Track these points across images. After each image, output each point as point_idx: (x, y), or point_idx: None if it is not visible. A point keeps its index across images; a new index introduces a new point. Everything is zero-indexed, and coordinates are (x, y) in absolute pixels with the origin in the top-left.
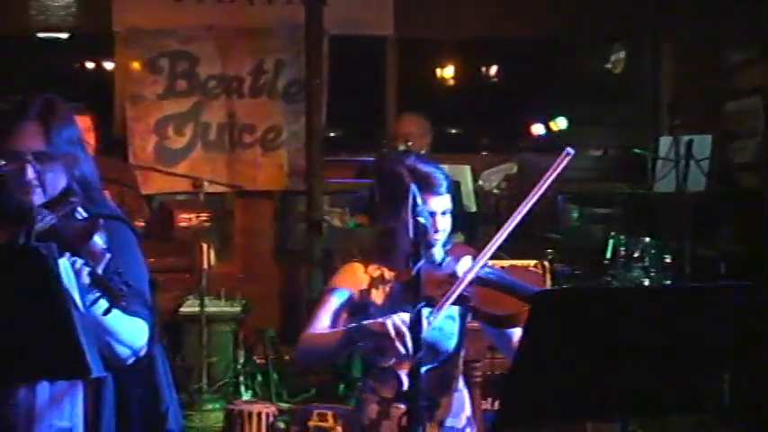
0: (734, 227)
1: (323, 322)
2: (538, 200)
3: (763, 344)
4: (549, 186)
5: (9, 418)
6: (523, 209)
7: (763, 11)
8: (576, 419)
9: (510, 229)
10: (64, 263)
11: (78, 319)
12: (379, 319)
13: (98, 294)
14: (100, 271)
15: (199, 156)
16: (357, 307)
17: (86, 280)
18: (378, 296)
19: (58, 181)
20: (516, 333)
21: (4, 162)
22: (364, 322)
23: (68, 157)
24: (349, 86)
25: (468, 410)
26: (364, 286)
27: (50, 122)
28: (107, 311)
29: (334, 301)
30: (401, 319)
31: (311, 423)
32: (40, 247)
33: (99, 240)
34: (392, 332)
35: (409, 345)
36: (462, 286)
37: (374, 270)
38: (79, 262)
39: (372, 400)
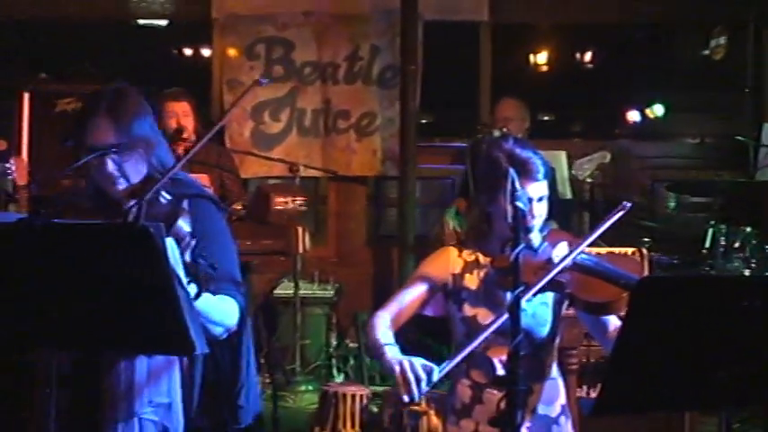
0: None
1: (401, 303)
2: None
3: None
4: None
5: (111, 389)
6: (574, 252)
7: None
8: (674, 410)
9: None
10: (170, 242)
11: (184, 296)
12: (397, 357)
13: (187, 279)
14: (187, 256)
15: (294, 141)
16: (449, 292)
17: (177, 266)
18: (472, 281)
19: (138, 169)
20: (612, 321)
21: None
22: (387, 351)
23: (144, 144)
24: (443, 72)
25: (562, 398)
26: (458, 270)
27: (121, 115)
28: (197, 296)
29: (419, 287)
30: (410, 363)
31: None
32: (150, 226)
33: (184, 225)
34: (398, 377)
35: (414, 392)
36: (556, 272)
37: (469, 255)
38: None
39: (465, 384)
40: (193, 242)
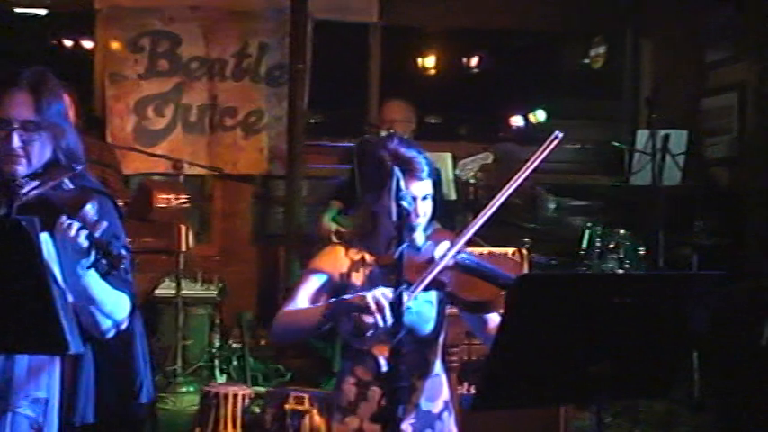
0: (707, 221)
1: (301, 301)
2: (518, 186)
3: (732, 334)
4: (529, 175)
5: None
6: (505, 193)
7: (741, 9)
8: (550, 405)
9: (489, 214)
10: (45, 237)
11: (58, 294)
12: (360, 293)
13: (98, 256)
14: (97, 234)
15: (178, 137)
16: (336, 289)
17: (84, 243)
18: (357, 279)
19: (43, 152)
20: (492, 319)
21: None
22: (345, 297)
23: (56, 128)
24: (332, 72)
25: (445, 395)
26: (344, 269)
27: (41, 93)
28: (107, 273)
29: (314, 282)
30: (381, 292)
31: (287, 406)
32: (22, 221)
33: (91, 210)
34: (372, 305)
35: (389, 318)
36: (437, 270)
37: (355, 253)
38: (76, 225)
39: (350, 382)
40: (105, 223)
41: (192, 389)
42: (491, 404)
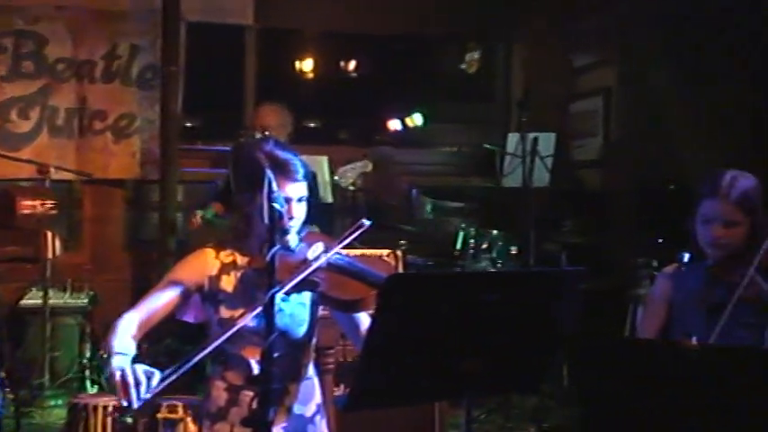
0: (575, 221)
1: (151, 305)
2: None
3: (599, 329)
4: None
5: None
6: (327, 255)
7: (607, 17)
8: (422, 403)
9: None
10: None
11: None
12: (116, 364)
13: None
14: None
15: (45, 141)
16: (208, 294)
17: None
18: (229, 282)
19: None
20: (364, 320)
21: None
22: (113, 359)
23: None
24: (207, 75)
25: (318, 398)
26: (214, 272)
27: None
28: None
29: (172, 291)
30: (133, 370)
31: (160, 415)
32: None
33: None
34: (118, 384)
35: (133, 398)
36: (309, 271)
37: (227, 256)
38: None
39: (221, 387)
40: None
41: (60, 402)
42: (363, 404)
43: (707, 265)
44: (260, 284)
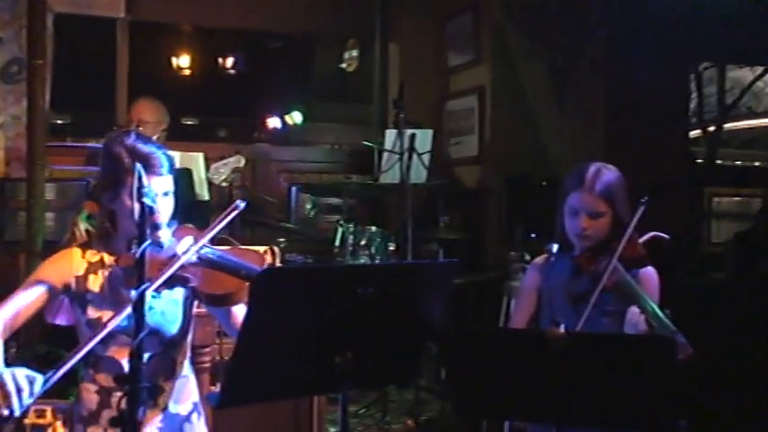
0: (451, 217)
1: (14, 305)
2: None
3: (474, 321)
4: (217, 233)
5: None
6: (195, 247)
7: (480, 17)
8: (296, 397)
9: (210, 235)
10: None
11: None
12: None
13: None
14: None
15: None
16: (74, 295)
17: None
18: (95, 282)
19: None
20: (238, 313)
21: None
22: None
23: None
24: (77, 70)
25: (194, 396)
26: (81, 272)
27: None
28: None
29: (37, 290)
30: (12, 376)
31: (28, 420)
32: None
33: None
34: (5, 384)
35: (15, 406)
36: (178, 265)
37: (93, 255)
38: None
39: (92, 390)
40: None
41: None
42: (236, 400)
43: (573, 256)
44: (128, 283)
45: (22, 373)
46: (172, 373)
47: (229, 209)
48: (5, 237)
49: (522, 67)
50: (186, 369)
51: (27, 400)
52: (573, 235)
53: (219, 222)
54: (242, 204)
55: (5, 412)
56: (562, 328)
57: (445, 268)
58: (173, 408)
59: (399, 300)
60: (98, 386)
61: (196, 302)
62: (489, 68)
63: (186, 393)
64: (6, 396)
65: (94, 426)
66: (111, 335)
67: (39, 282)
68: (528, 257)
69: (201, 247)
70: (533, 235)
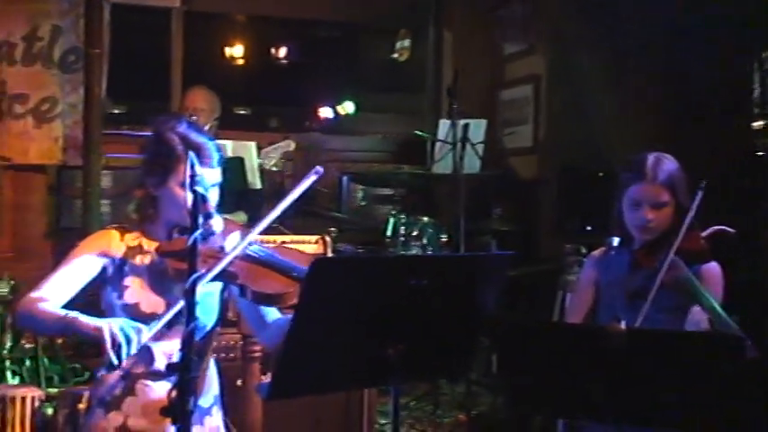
0: (505, 208)
1: (58, 286)
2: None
3: (527, 315)
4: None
5: None
6: (270, 217)
7: (536, 4)
8: (346, 390)
9: (266, 224)
10: None
11: None
12: (98, 322)
13: None
14: None
15: None
16: (110, 278)
17: None
18: (134, 267)
19: None
20: (270, 314)
21: None
22: (81, 318)
23: None
24: (133, 59)
25: (215, 389)
26: (119, 255)
27: None
28: None
29: (79, 267)
30: (119, 326)
31: (81, 406)
32: None
33: None
34: (108, 340)
35: (123, 355)
36: (227, 261)
37: (132, 239)
38: None
39: (117, 376)
40: None
41: None
42: (286, 392)
43: (632, 250)
44: (166, 271)
45: (128, 323)
46: (200, 365)
47: (309, 174)
48: (62, 223)
49: (579, 56)
50: (211, 362)
51: (134, 350)
52: (635, 227)
53: (299, 188)
54: (321, 169)
55: (115, 361)
56: (623, 325)
57: (500, 260)
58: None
59: (453, 292)
60: (124, 372)
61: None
62: (545, 57)
63: (209, 386)
64: (116, 346)
65: (116, 411)
66: (144, 321)
67: (80, 259)
68: (584, 250)
69: (250, 244)
70: (588, 227)
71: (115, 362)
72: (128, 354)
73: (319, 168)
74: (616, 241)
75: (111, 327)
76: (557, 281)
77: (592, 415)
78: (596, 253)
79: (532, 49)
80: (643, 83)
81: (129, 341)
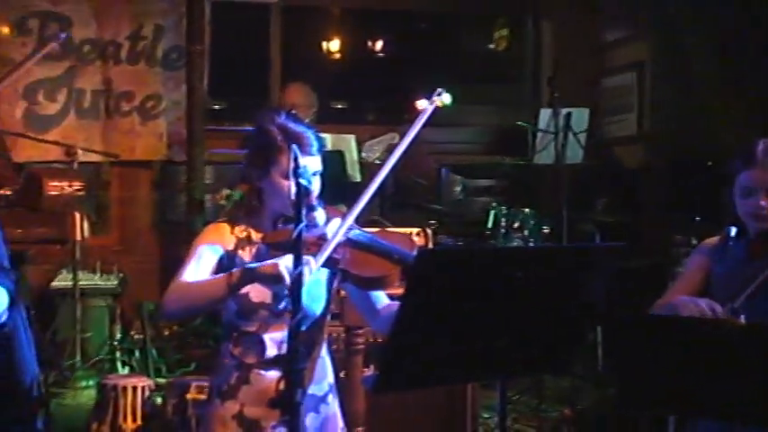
0: (609, 198)
1: (195, 272)
2: (402, 155)
3: (634, 308)
4: (410, 145)
5: None
6: (392, 161)
7: None
8: (451, 383)
9: (381, 179)
10: None
11: None
12: (267, 262)
13: None
14: None
15: (72, 123)
16: (224, 268)
17: None
18: (244, 258)
19: None
20: (380, 299)
21: None
22: (252, 264)
23: None
24: (232, 56)
25: (330, 377)
26: (231, 247)
27: None
28: None
29: (206, 255)
30: (288, 260)
31: (189, 396)
32: None
33: None
34: (286, 275)
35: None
36: (332, 247)
37: (241, 231)
38: None
39: (231, 365)
40: None
41: (91, 383)
42: (392, 385)
43: (748, 240)
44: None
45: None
46: (312, 353)
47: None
48: (167, 217)
49: (685, 41)
50: (324, 350)
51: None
52: (748, 216)
53: (416, 125)
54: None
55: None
56: (742, 319)
57: (610, 251)
58: (311, 388)
59: (560, 284)
60: (237, 361)
61: (336, 281)
62: (648, 43)
63: (323, 374)
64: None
65: (232, 400)
66: (253, 310)
67: (208, 244)
68: (694, 242)
69: (351, 229)
70: (697, 218)
71: (290, 302)
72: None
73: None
74: (734, 231)
75: (285, 262)
76: (663, 273)
77: (706, 413)
78: (710, 241)
79: (636, 36)
80: (755, 68)
81: (307, 264)
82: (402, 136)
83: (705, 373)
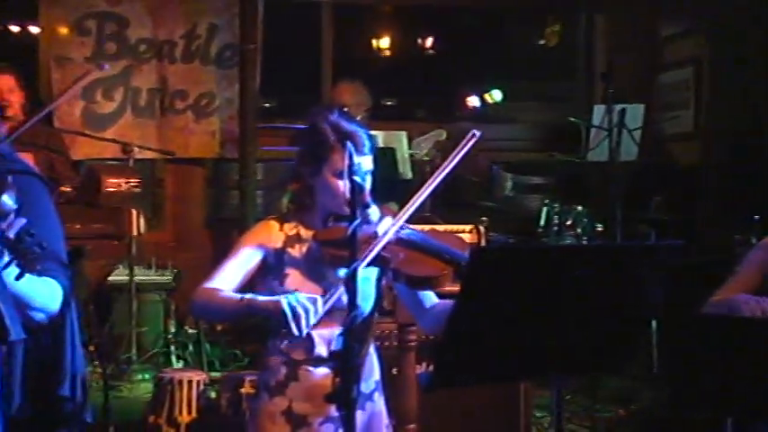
0: (664, 196)
1: (228, 276)
2: (445, 178)
3: (689, 308)
4: (457, 165)
5: None
6: (431, 185)
7: None
8: (506, 382)
9: (421, 198)
10: None
11: None
12: (274, 298)
13: (9, 259)
14: (11, 233)
15: (128, 121)
16: (271, 266)
17: None
18: (293, 256)
19: None
20: (429, 298)
21: None
22: (258, 299)
23: None
24: (284, 54)
25: (376, 375)
26: (279, 245)
27: None
28: (19, 277)
29: (245, 256)
30: (296, 299)
31: (243, 390)
32: None
33: (8, 200)
34: (289, 312)
35: (303, 326)
36: (381, 245)
37: (290, 229)
38: None
39: (279, 361)
40: (23, 221)
41: (147, 376)
42: (447, 382)
43: None
44: (326, 258)
45: (302, 296)
46: (361, 351)
47: (466, 138)
48: (220, 214)
49: (744, 36)
50: (371, 347)
51: (313, 320)
52: None
53: (458, 153)
54: (478, 133)
55: (296, 333)
56: None
57: (669, 251)
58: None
59: (617, 283)
60: (286, 358)
61: (384, 279)
62: (707, 37)
63: (370, 371)
64: (297, 318)
65: (280, 396)
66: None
67: (246, 253)
68: (754, 241)
69: (402, 228)
70: (756, 216)
71: (296, 332)
72: (308, 325)
73: (476, 132)
74: None
75: (288, 300)
76: (723, 272)
77: (765, 416)
78: None
79: (693, 30)
80: None
81: (307, 311)
82: (454, 153)
83: (765, 375)
